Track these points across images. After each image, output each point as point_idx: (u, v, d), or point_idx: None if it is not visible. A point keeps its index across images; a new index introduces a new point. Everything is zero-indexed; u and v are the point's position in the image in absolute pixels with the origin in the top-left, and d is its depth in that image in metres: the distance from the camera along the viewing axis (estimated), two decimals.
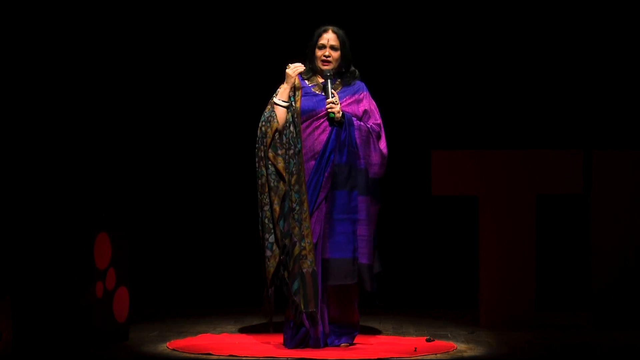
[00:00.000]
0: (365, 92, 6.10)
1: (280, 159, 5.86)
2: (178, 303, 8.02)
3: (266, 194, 5.85)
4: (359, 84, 6.11)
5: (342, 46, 6.02)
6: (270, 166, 5.86)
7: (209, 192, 8.16)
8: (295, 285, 5.80)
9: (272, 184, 5.85)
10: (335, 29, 6.03)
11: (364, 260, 5.92)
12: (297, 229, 5.81)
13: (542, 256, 7.31)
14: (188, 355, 5.70)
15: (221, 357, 5.62)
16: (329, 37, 6.01)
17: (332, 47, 6.01)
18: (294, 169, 5.85)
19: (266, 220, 5.84)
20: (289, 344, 5.88)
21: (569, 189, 7.02)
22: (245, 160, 7.93)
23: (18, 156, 7.69)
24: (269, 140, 5.86)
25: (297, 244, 5.80)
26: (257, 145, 5.91)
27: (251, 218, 6.49)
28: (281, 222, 5.82)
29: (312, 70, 6.05)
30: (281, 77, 6.03)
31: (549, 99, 8.01)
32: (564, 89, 8.00)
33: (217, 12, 8.09)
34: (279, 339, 6.01)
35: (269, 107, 5.95)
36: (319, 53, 6.02)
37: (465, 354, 5.79)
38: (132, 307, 6.38)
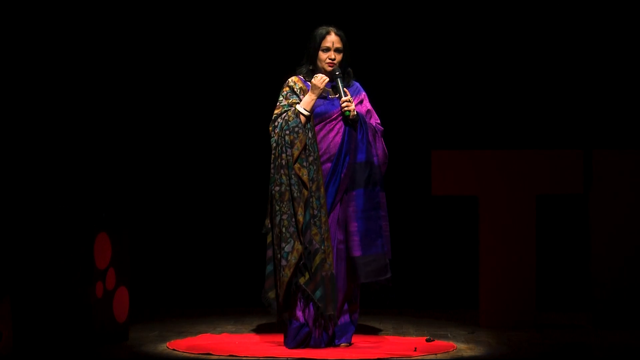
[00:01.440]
0: (364, 93, 6.09)
1: (304, 170, 5.78)
2: (178, 303, 8.02)
3: (286, 203, 5.77)
4: (356, 84, 6.10)
5: (345, 48, 6.00)
6: (293, 177, 5.77)
7: (208, 193, 8.16)
8: (318, 293, 5.78)
9: (295, 194, 5.76)
10: (337, 30, 5.98)
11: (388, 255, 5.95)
12: (318, 235, 5.78)
13: (542, 256, 7.31)
14: (188, 355, 5.70)
15: (221, 357, 5.62)
16: (333, 40, 5.96)
17: (337, 50, 5.97)
18: (314, 176, 5.81)
19: (283, 229, 5.77)
20: (289, 344, 5.87)
21: (569, 189, 7.02)
22: (245, 161, 7.95)
23: (18, 156, 7.68)
24: (296, 153, 5.77)
25: (319, 250, 5.78)
26: (275, 151, 5.83)
27: (251, 218, 6.49)
28: (302, 229, 5.77)
29: (313, 72, 6.00)
30: (280, 78, 6.02)
31: (548, 98, 8.01)
32: (563, 89, 8.00)
33: (216, 12, 8.08)
34: (279, 338, 6.01)
35: (290, 113, 5.84)
36: (323, 56, 5.96)
37: (465, 354, 5.79)
38: (132, 307, 6.38)
